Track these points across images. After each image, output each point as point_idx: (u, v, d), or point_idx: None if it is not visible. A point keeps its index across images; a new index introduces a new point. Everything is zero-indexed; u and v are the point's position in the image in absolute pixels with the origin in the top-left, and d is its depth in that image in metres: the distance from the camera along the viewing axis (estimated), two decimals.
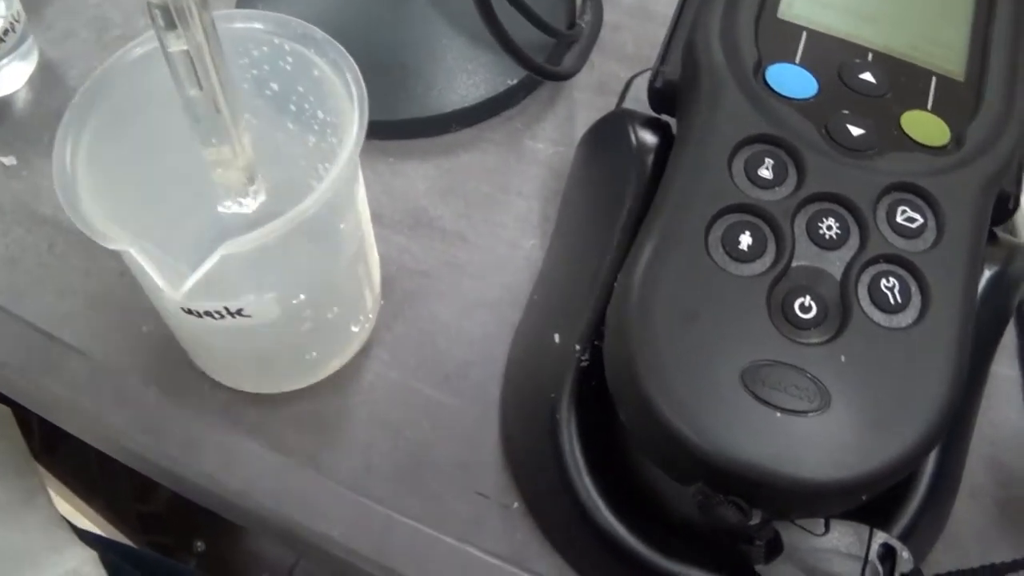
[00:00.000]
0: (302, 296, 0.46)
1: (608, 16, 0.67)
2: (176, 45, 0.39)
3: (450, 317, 0.55)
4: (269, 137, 0.49)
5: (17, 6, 0.62)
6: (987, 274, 0.47)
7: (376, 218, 0.55)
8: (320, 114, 0.48)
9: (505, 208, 0.59)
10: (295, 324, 0.48)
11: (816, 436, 0.38)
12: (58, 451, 0.95)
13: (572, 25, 0.64)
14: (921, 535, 0.46)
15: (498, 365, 0.53)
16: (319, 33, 0.46)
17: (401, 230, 0.57)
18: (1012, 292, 0.52)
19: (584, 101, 0.63)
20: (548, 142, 0.61)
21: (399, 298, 0.55)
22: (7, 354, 0.51)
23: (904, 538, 0.44)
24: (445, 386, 0.53)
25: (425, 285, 0.56)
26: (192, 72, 0.39)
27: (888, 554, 0.41)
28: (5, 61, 0.62)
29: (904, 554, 0.41)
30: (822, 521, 0.41)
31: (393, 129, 0.60)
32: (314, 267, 0.48)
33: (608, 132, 0.52)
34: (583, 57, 0.62)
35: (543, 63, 0.60)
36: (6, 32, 0.61)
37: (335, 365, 0.53)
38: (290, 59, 0.47)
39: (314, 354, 0.52)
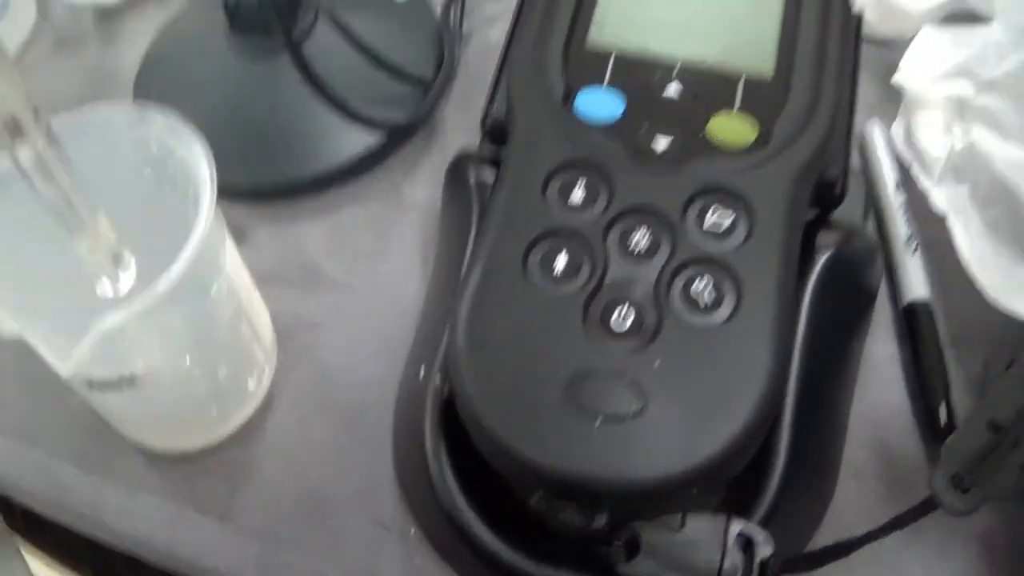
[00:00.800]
0: (188, 360, 0.50)
1: (477, 56, 0.70)
2: (22, 154, 0.42)
3: (344, 364, 0.58)
4: (152, 215, 0.52)
5: None
6: (822, 259, 0.50)
7: (269, 277, 0.58)
8: (191, 191, 0.51)
9: (389, 256, 0.62)
10: (190, 385, 0.52)
11: (636, 438, 0.41)
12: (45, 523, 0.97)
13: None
14: (795, 519, 0.49)
15: (390, 405, 0.56)
16: (172, 117, 0.49)
17: (294, 286, 0.61)
18: (860, 273, 0.55)
19: (456, 143, 0.65)
20: (425, 187, 0.64)
21: (297, 350, 0.58)
22: None
23: (767, 523, 0.46)
24: (344, 429, 0.56)
25: (320, 336, 0.59)
26: (42, 176, 0.43)
27: (748, 542, 0.43)
28: None
29: (760, 539, 0.43)
30: (679, 516, 0.44)
31: (280, 192, 0.64)
32: (192, 332, 0.51)
33: (455, 175, 0.55)
34: (428, 107, 0.65)
35: (396, 118, 0.64)
36: None
37: (239, 419, 0.56)
38: (154, 145, 0.50)
39: (215, 411, 0.55)
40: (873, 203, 0.62)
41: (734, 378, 0.42)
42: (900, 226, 0.60)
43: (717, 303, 0.43)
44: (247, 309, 0.54)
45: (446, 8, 0.71)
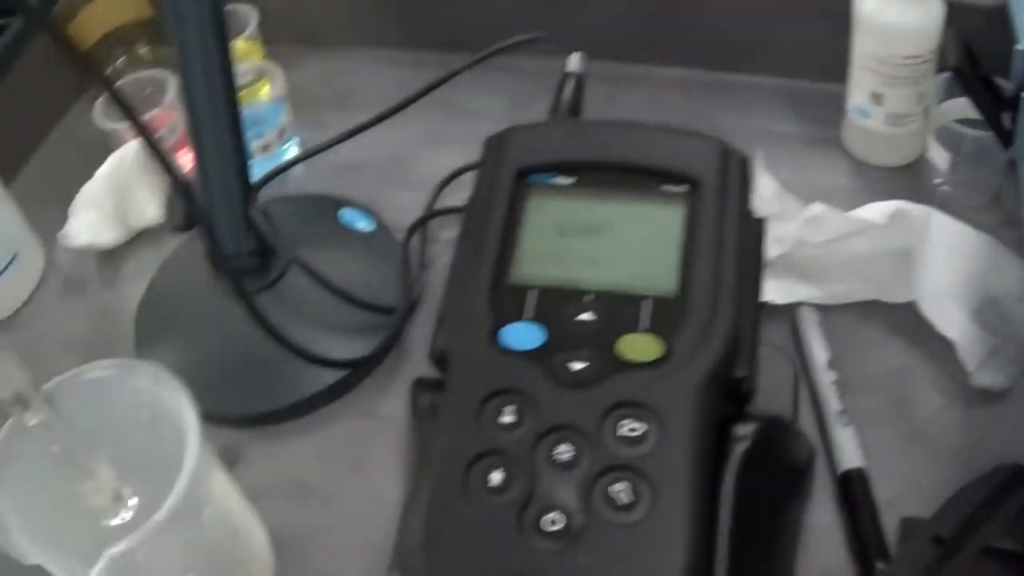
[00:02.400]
0: None
1: (440, 280, 0.77)
2: (31, 420, 0.50)
3: (335, 568, 0.65)
4: (154, 453, 0.59)
5: None
6: (738, 451, 0.55)
7: (265, 493, 0.64)
8: (183, 428, 0.58)
9: (369, 467, 0.70)
10: None
11: None
12: None
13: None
14: None
15: None
16: (158, 370, 0.57)
17: (288, 500, 0.67)
18: (785, 454, 0.61)
19: (424, 361, 0.72)
20: (398, 401, 0.71)
21: (293, 558, 0.65)
22: None
23: None
24: None
25: (313, 544, 0.66)
26: (50, 436, 0.51)
27: None
28: None
29: None
30: None
31: (268, 418, 0.71)
32: (191, 553, 0.57)
33: (411, 397, 0.62)
34: (389, 340, 0.73)
35: (370, 343, 0.72)
36: None
37: None
38: (147, 394, 0.58)
39: None
40: (809, 382, 0.68)
41: (654, 567, 0.48)
42: (832, 402, 0.67)
43: (635, 503, 0.49)
44: (238, 528, 0.61)
45: (407, 237, 0.79)
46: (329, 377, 0.72)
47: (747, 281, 0.57)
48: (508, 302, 0.56)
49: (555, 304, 0.56)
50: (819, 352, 0.69)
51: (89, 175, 0.87)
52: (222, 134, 0.70)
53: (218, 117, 0.69)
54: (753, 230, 0.60)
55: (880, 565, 0.59)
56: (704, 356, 0.53)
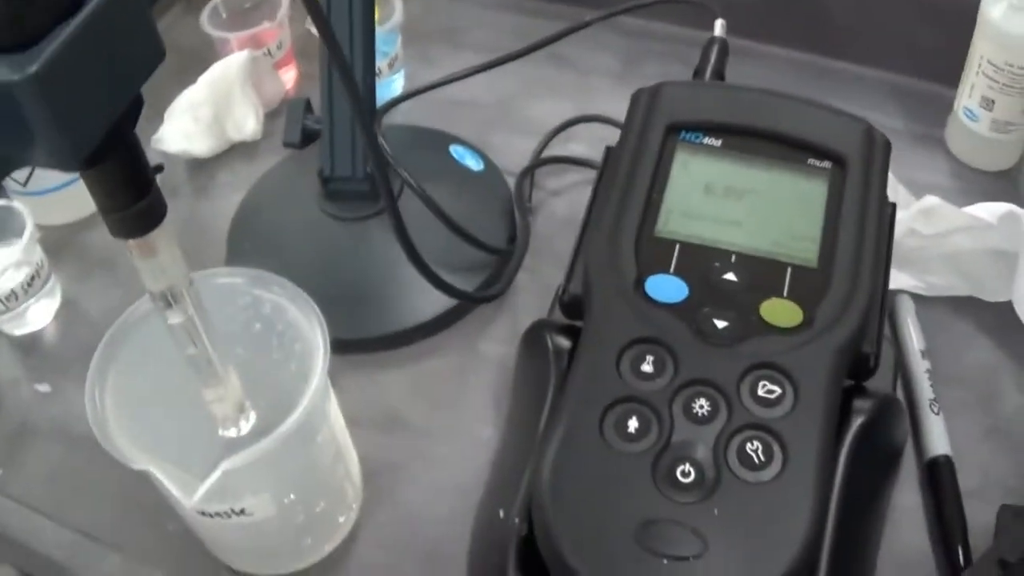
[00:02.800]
0: (292, 496, 0.57)
1: (545, 227, 0.78)
2: (174, 319, 0.49)
3: (423, 503, 0.65)
4: (260, 365, 0.60)
5: (40, 255, 0.74)
6: (858, 422, 0.57)
7: (355, 421, 0.64)
8: (296, 346, 0.58)
9: (465, 405, 0.70)
10: (289, 518, 0.58)
11: None
12: None
13: (513, 238, 0.75)
14: None
15: (465, 541, 0.62)
16: (289, 284, 0.57)
17: (378, 431, 0.67)
18: (890, 433, 0.61)
19: (526, 305, 0.74)
20: (498, 343, 0.72)
21: (379, 489, 0.65)
22: (53, 554, 0.61)
23: None
24: (421, 562, 0.62)
25: (401, 476, 0.66)
26: (188, 337, 0.50)
27: None
28: (33, 301, 0.74)
29: None
30: None
31: (366, 345, 0.71)
32: (299, 472, 0.58)
33: (533, 339, 0.62)
34: (508, 280, 0.73)
35: (475, 281, 0.73)
36: (32, 278, 0.73)
37: (327, 549, 0.63)
38: (268, 306, 0.58)
39: (308, 541, 0.62)
40: (902, 367, 0.69)
41: (781, 526, 0.48)
42: (925, 389, 0.67)
43: (767, 462, 0.50)
44: (343, 451, 0.61)
45: (519, 182, 0.79)
46: (432, 310, 0.72)
47: (880, 262, 0.59)
48: (653, 254, 0.57)
49: (699, 261, 0.57)
50: (915, 340, 0.70)
51: (187, 82, 0.87)
52: (356, 52, 0.70)
53: (354, 34, 0.69)
54: (887, 213, 0.61)
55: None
56: (842, 327, 0.54)
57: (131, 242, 0.44)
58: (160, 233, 0.45)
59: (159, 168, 0.83)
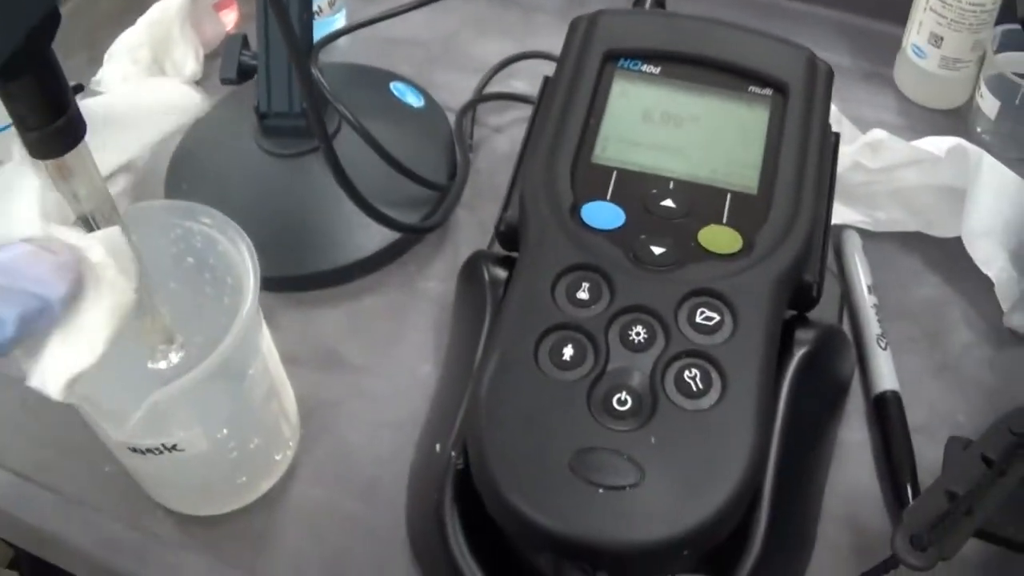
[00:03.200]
0: (225, 431, 0.56)
1: (486, 163, 0.77)
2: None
3: (361, 440, 0.64)
4: (193, 299, 0.58)
5: None
6: (800, 352, 0.56)
7: (293, 359, 0.63)
8: (228, 280, 0.57)
9: (403, 342, 0.68)
10: (223, 454, 0.57)
11: (634, 506, 0.46)
12: None
13: (454, 175, 0.74)
14: None
15: (403, 477, 0.61)
16: (218, 215, 0.55)
17: (315, 368, 0.66)
18: (835, 366, 0.61)
19: (467, 240, 0.72)
20: (437, 280, 0.71)
21: (317, 426, 0.64)
22: None
23: None
24: (360, 499, 0.61)
25: (339, 414, 0.65)
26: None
27: None
28: None
29: None
30: None
31: (304, 282, 0.70)
32: (231, 407, 0.56)
33: (470, 272, 0.61)
34: (446, 212, 0.72)
35: (414, 217, 0.71)
36: None
37: (264, 487, 0.62)
38: (199, 238, 0.57)
39: (244, 478, 0.61)
40: (848, 302, 0.68)
41: (721, 454, 0.47)
42: (872, 324, 0.67)
43: (706, 390, 0.49)
44: (278, 388, 0.60)
45: (459, 118, 0.78)
46: (371, 246, 0.71)
47: (822, 190, 0.58)
48: (589, 181, 0.56)
49: (637, 188, 0.56)
50: (861, 275, 0.69)
51: (127, 24, 0.85)
52: None
53: None
54: (830, 143, 0.61)
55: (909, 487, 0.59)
56: (782, 254, 0.53)
57: (49, 164, 0.43)
58: (77, 155, 0.44)
59: (79, 88, 0.82)
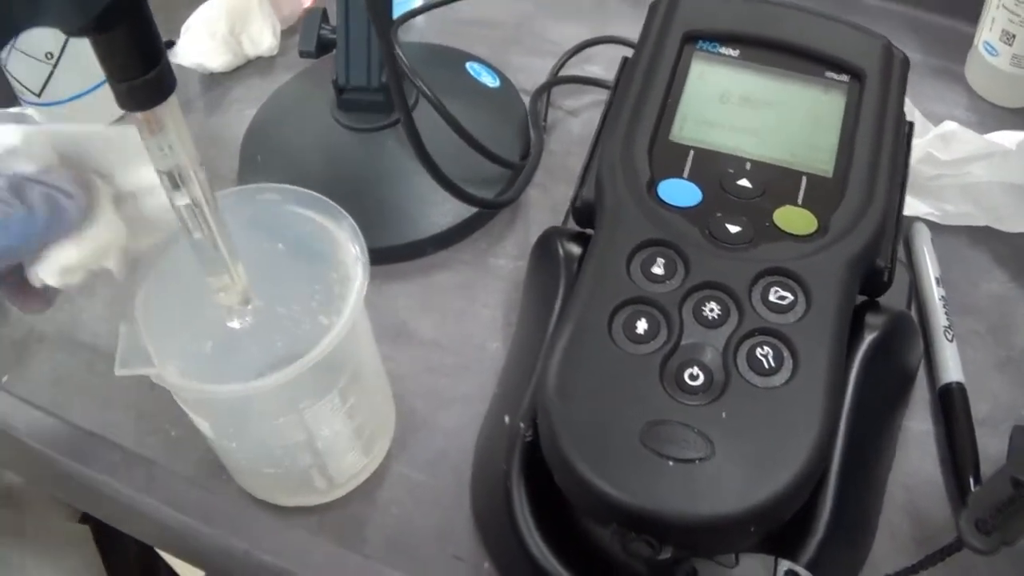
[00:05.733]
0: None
1: (559, 145, 0.78)
2: (180, 200, 0.48)
3: (429, 413, 0.64)
4: (291, 278, 0.59)
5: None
6: (868, 339, 0.56)
7: None
8: (330, 265, 0.58)
9: (473, 318, 0.69)
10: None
11: (702, 480, 0.46)
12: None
13: (526, 155, 0.75)
14: (835, 567, 0.54)
15: (470, 450, 0.62)
16: (322, 198, 0.56)
17: (385, 342, 0.67)
18: (902, 353, 0.61)
19: (538, 220, 0.73)
20: (508, 258, 0.72)
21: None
22: (57, 450, 0.60)
23: (812, 569, 0.51)
24: (427, 469, 0.62)
25: (408, 387, 0.65)
26: (194, 220, 0.49)
27: None
28: None
29: None
30: (733, 555, 0.50)
31: (376, 256, 0.70)
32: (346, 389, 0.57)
33: (544, 247, 0.62)
34: (520, 188, 0.73)
35: (486, 196, 0.71)
36: None
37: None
38: (308, 222, 0.57)
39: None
40: (916, 294, 0.68)
41: (790, 432, 0.48)
42: (939, 316, 0.67)
43: (777, 368, 0.49)
44: (381, 370, 0.61)
45: (534, 100, 0.78)
46: (444, 222, 0.71)
47: (896, 177, 0.58)
48: (667, 159, 0.56)
49: (713, 167, 0.56)
50: (930, 267, 0.69)
51: None
52: None
53: None
54: (904, 130, 0.61)
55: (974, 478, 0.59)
56: (856, 237, 0.53)
57: (139, 116, 0.44)
58: (168, 107, 0.44)
59: (171, 43, 0.83)
